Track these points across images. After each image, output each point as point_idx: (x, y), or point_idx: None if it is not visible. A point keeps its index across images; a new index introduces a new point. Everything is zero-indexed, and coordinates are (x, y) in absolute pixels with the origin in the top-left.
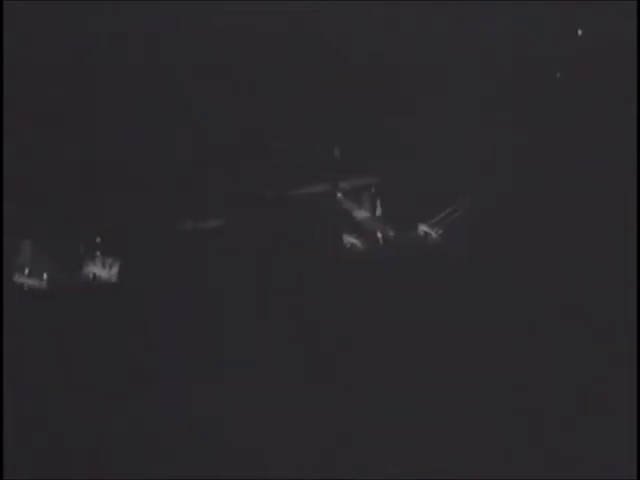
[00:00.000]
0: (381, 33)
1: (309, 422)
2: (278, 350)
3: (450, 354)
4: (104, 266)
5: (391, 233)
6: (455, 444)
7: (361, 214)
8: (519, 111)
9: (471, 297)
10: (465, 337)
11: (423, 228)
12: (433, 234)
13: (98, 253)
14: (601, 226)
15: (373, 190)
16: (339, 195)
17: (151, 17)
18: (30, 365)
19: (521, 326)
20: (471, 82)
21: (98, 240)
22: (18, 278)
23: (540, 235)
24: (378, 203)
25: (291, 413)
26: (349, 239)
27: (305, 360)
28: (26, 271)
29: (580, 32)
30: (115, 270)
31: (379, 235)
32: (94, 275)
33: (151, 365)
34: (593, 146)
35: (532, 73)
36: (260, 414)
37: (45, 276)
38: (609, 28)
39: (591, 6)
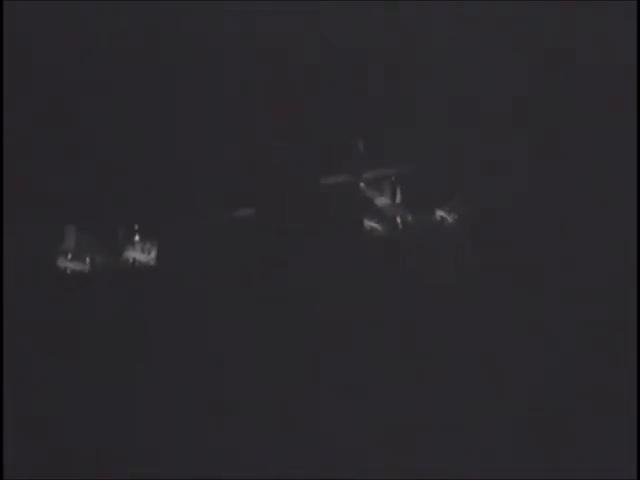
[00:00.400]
0: (381, 33)
1: (309, 421)
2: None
3: (455, 348)
4: (143, 251)
5: (409, 218)
6: (455, 444)
7: (381, 201)
8: (520, 111)
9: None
10: (467, 334)
11: (440, 213)
12: (449, 219)
13: (137, 238)
14: (612, 216)
15: (393, 179)
16: (362, 185)
17: (151, 17)
18: (67, 347)
19: (521, 326)
20: (471, 82)
21: (136, 227)
22: (61, 262)
23: (554, 224)
24: (398, 191)
25: (292, 411)
26: (369, 223)
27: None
28: (69, 256)
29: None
30: (153, 254)
31: (398, 220)
32: (134, 259)
33: (184, 344)
34: (593, 145)
35: (532, 73)
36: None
37: (88, 260)
38: (609, 28)
39: (591, 6)
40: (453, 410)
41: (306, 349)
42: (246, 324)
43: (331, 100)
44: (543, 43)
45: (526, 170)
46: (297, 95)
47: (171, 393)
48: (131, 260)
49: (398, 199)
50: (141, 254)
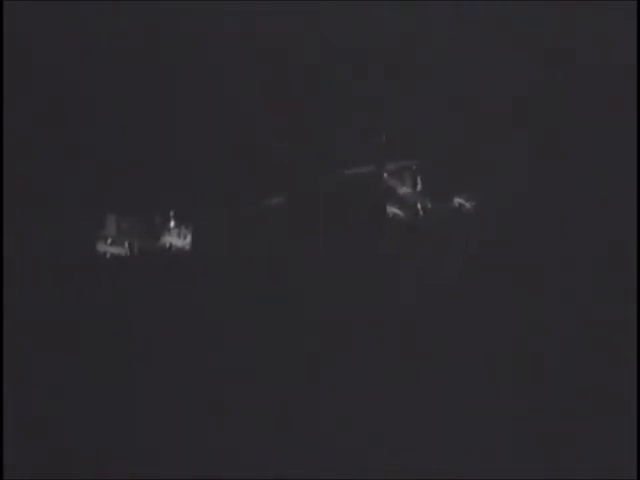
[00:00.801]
0: (381, 33)
1: (309, 421)
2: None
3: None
4: (179, 236)
5: (429, 205)
6: (455, 444)
7: (403, 190)
8: (519, 111)
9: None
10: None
11: (458, 200)
12: (467, 205)
13: (172, 224)
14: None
15: (414, 168)
16: (385, 175)
17: (151, 17)
18: (107, 329)
19: (522, 325)
20: (471, 82)
21: (172, 214)
22: (101, 247)
23: (553, 224)
24: (418, 180)
25: (292, 411)
26: (392, 209)
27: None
28: (109, 241)
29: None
30: (189, 239)
31: (419, 206)
32: (170, 244)
33: (219, 326)
34: (593, 145)
35: (532, 73)
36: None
37: (127, 245)
38: (609, 28)
39: (591, 6)
40: (453, 410)
41: (313, 343)
42: (275, 307)
43: (331, 100)
44: (543, 43)
45: (526, 170)
46: (297, 95)
47: (171, 392)
48: (168, 245)
49: (419, 187)
50: (177, 239)
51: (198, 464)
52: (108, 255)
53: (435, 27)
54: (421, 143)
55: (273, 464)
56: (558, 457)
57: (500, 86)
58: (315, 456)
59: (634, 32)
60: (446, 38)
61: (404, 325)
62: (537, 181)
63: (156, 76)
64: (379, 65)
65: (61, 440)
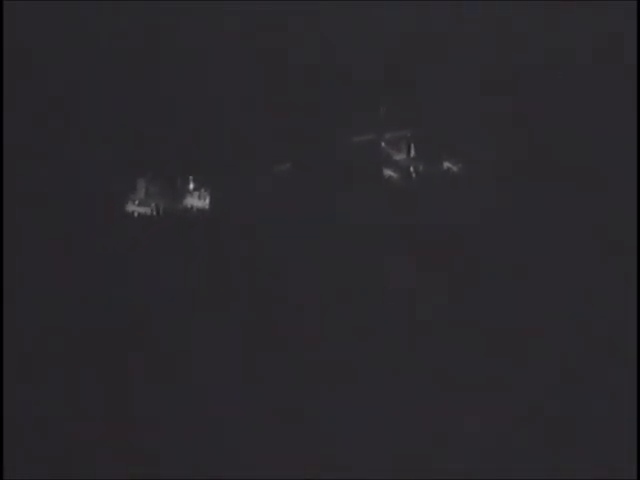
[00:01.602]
0: (381, 33)
1: (309, 421)
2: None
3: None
4: (199, 198)
5: (421, 168)
6: (455, 444)
7: (399, 156)
8: (520, 111)
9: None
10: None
11: (446, 164)
12: (454, 168)
13: (191, 187)
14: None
15: (409, 136)
16: (383, 144)
17: (151, 17)
18: (135, 285)
19: (521, 325)
20: (471, 81)
21: (191, 178)
22: (129, 207)
23: (551, 227)
24: (412, 147)
25: (292, 411)
26: (388, 172)
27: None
28: (137, 202)
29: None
30: (207, 200)
31: (411, 169)
32: (192, 205)
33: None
34: (593, 145)
35: (533, 73)
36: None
37: (153, 205)
38: (609, 28)
39: (591, 6)
40: (452, 409)
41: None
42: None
43: (331, 100)
44: (543, 43)
45: (526, 171)
46: (297, 95)
47: (173, 392)
48: (189, 206)
49: (412, 154)
50: (197, 200)
51: (198, 464)
52: (136, 215)
53: (435, 27)
54: (416, 115)
55: (273, 464)
56: (558, 457)
57: (499, 87)
58: (315, 456)
59: (634, 32)
60: (446, 38)
61: (399, 293)
62: (534, 184)
63: (156, 76)
64: (378, 57)
65: (61, 440)
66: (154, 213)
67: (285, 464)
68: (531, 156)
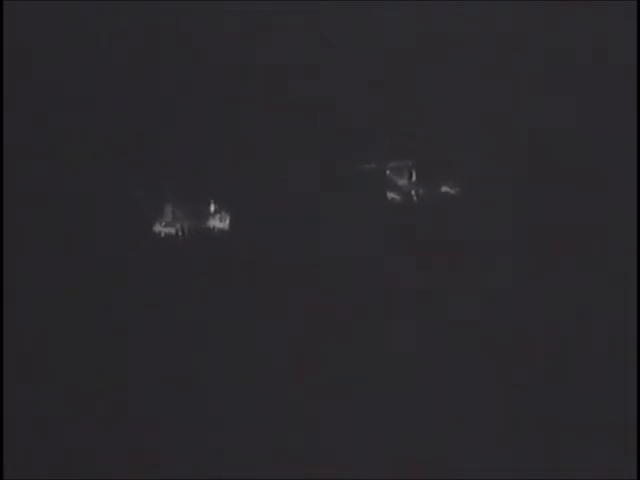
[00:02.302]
0: (381, 33)
1: (309, 421)
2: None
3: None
4: (220, 220)
5: (421, 191)
6: (455, 444)
7: (401, 181)
8: (520, 111)
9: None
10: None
11: (444, 188)
12: (452, 192)
13: (212, 209)
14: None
15: (410, 164)
16: (387, 172)
17: (151, 17)
18: (161, 298)
19: (522, 325)
20: (471, 81)
21: (212, 202)
22: (156, 228)
23: (551, 226)
24: (414, 173)
25: (292, 411)
26: (391, 195)
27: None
28: (163, 223)
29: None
30: (227, 221)
31: (413, 193)
32: (214, 226)
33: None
34: (593, 145)
35: (533, 74)
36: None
37: (178, 226)
38: (609, 28)
39: (591, 6)
40: (452, 409)
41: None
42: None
43: (330, 100)
44: (543, 43)
45: (526, 171)
46: (296, 95)
47: (173, 392)
48: (211, 227)
49: (414, 179)
50: (219, 222)
51: (198, 464)
52: (162, 235)
53: (435, 27)
54: (417, 145)
55: (273, 464)
56: (558, 457)
57: (499, 87)
58: (315, 456)
59: (634, 32)
60: (446, 38)
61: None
62: (534, 185)
63: (156, 77)
64: (377, 71)
65: (61, 440)
66: (179, 233)
67: (285, 463)
68: (531, 158)
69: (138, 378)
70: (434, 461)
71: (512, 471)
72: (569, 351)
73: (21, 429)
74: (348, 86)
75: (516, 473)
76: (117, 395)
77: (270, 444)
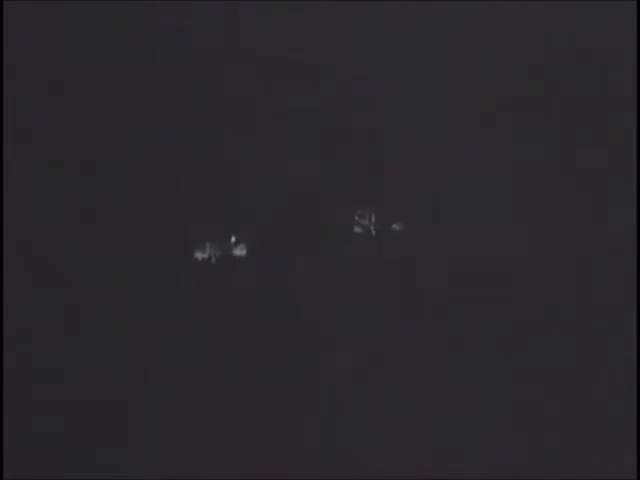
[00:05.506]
0: (380, 33)
1: (310, 420)
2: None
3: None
4: (241, 250)
5: (378, 227)
6: (455, 444)
7: (364, 221)
8: (520, 111)
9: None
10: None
11: (395, 226)
12: (398, 228)
13: (233, 240)
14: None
15: (370, 211)
16: (356, 217)
17: (151, 17)
18: (187, 319)
19: (521, 325)
20: (471, 81)
21: (233, 235)
22: (197, 255)
23: (552, 221)
24: (373, 216)
25: (292, 411)
26: (357, 229)
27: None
28: (198, 252)
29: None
30: (245, 251)
31: (372, 228)
32: (236, 255)
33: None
34: (593, 145)
35: (533, 74)
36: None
37: (212, 253)
38: (609, 28)
39: (591, 6)
40: (452, 409)
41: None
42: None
43: (330, 101)
44: (543, 43)
45: (526, 171)
46: (296, 95)
47: (173, 392)
48: (235, 255)
49: (373, 220)
50: (240, 252)
51: (198, 464)
52: (199, 259)
53: (435, 27)
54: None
55: (273, 464)
56: (558, 457)
57: (499, 87)
58: (315, 456)
59: (634, 32)
60: (446, 38)
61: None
62: (534, 184)
63: (156, 78)
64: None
65: (61, 440)
66: (212, 260)
67: (285, 463)
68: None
69: (139, 378)
70: (434, 461)
71: (512, 471)
72: (569, 351)
73: (21, 429)
74: (346, 88)
75: (516, 473)
76: (117, 395)
77: (270, 444)
